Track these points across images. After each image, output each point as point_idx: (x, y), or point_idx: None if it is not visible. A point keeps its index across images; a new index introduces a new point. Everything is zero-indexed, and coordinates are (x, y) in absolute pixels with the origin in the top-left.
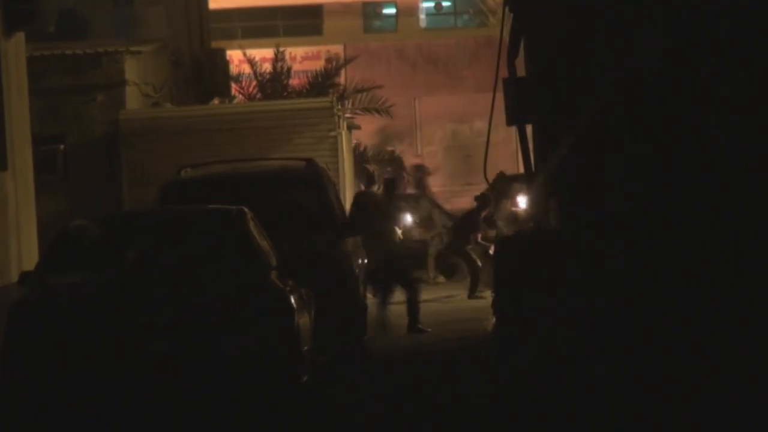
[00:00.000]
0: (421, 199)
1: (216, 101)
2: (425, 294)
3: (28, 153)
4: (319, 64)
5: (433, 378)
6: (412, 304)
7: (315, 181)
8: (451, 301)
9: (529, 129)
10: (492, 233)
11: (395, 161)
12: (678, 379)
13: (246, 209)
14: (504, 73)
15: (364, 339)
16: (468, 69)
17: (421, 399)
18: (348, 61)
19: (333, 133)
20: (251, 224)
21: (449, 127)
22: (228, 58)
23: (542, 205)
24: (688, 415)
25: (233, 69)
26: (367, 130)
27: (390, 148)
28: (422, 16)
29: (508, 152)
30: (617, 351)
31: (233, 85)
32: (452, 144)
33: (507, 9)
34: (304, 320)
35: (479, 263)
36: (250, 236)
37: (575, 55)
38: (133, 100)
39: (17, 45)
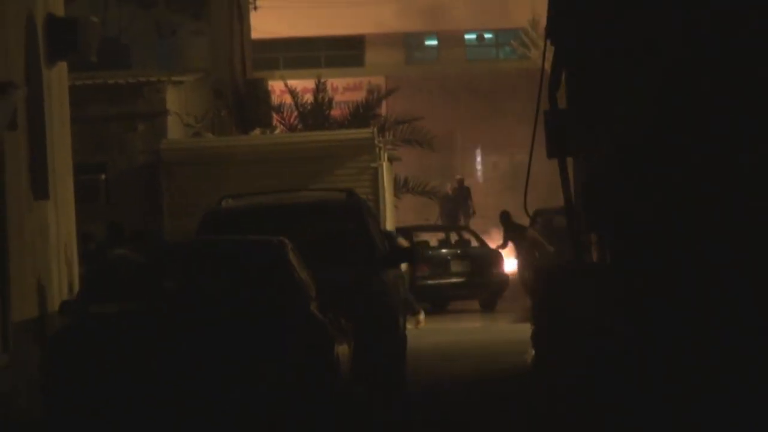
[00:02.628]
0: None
1: (257, 131)
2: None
3: (69, 181)
4: (360, 95)
5: (472, 411)
6: None
7: (356, 213)
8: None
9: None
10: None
11: (463, 190)
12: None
13: (286, 240)
14: (545, 105)
15: (403, 370)
16: (509, 101)
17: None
18: (389, 92)
19: (374, 165)
20: (291, 255)
21: (490, 159)
22: (269, 88)
23: (583, 238)
24: None
25: (275, 99)
26: (408, 162)
27: (458, 176)
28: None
29: (545, 184)
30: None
31: (275, 116)
32: (492, 175)
33: (549, 41)
34: (343, 351)
35: None
36: (290, 267)
37: (616, 87)
38: (174, 129)
39: (60, 74)
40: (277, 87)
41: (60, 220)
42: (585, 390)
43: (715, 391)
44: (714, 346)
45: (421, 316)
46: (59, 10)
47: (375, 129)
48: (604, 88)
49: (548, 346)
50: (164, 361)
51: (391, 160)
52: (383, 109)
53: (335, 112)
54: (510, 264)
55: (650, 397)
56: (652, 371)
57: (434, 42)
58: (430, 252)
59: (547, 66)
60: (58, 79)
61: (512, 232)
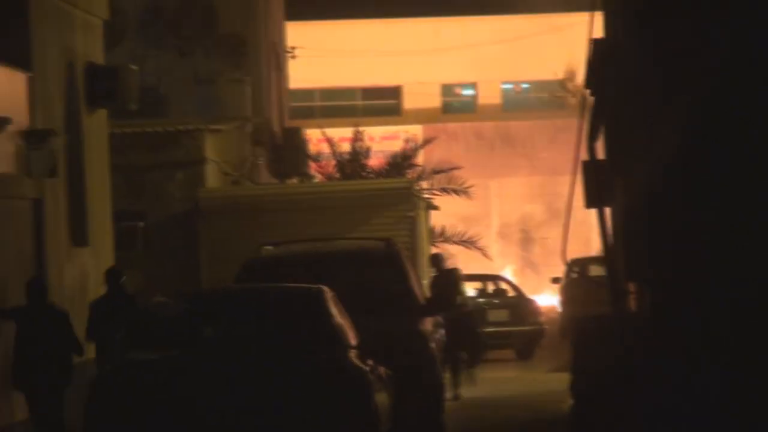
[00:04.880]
0: None
1: (295, 180)
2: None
3: (108, 229)
4: (397, 144)
5: None
6: None
7: (394, 261)
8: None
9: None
10: None
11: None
12: None
13: (325, 288)
14: (582, 155)
15: (442, 419)
16: (546, 150)
17: None
18: (426, 141)
19: (411, 214)
20: (330, 303)
21: (526, 208)
22: (307, 136)
23: (621, 288)
24: None
25: (312, 148)
26: (445, 210)
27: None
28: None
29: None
30: None
31: (312, 164)
32: (529, 225)
33: (587, 92)
34: (382, 399)
35: None
36: (329, 315)
37: (656, 138)
38: (212, 177)
39: (99, 122)
40: (314, 136)
41: (99, 267)
42: None
43: None
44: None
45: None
46: (99, 59)
47: (412, 178)
48: (641, 139)
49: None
50: (202, 410)
51: (428, 209)
52: (420, 158)
53: (372, 161)
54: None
55: None
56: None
57: (471, 92)
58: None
59: (585, 116)
60: (97, 126)
61: (440, 276)
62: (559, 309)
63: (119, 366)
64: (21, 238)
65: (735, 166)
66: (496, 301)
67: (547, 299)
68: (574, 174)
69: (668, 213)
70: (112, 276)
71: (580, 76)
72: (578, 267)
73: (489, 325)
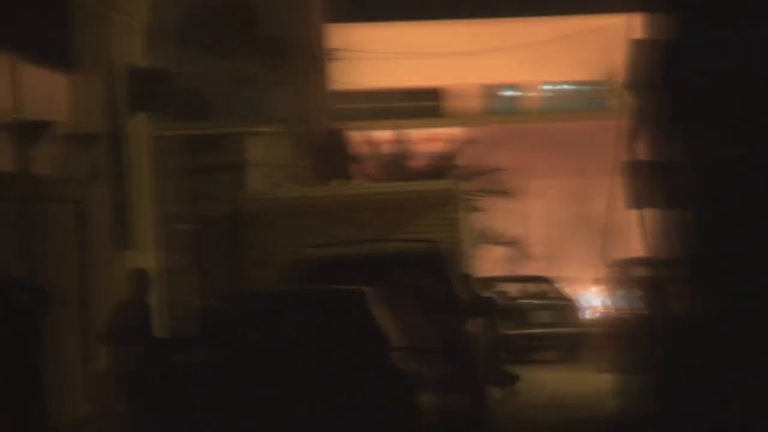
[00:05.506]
0: None
1: (337, 182)
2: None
3: (151, 232)
4: (439, 146)
5: None
6: None
7: (437, 263)
8: (572, 381)
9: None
10: None
11: None
12: None
13: (369, 290)
14: (624, 156)
15: (487, 420)
16: (588, 151)
17: None
18: (468, 143)
19: (454, 215)
20: (374, 305)
21: (568, 209)
22: (349, 138)
23: (665, 287)
24: None
25: (354, 149)
26: (486, 212)
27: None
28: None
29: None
30: None
31: (354, 166)
32: (572, 225)
33: (628, 93)
34: (426, 400)
35: None
36: (372, 317)
37: (701, 139)
38: (254, 180)
39: (141, 125)
40: (356, 137)
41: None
42: None
43: None
44: None
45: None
46: (140, 62)
47: (455, 180)
48: (685, 139)
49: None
50: (246, 409)
51: (470, 210)
52: (462, 160)
53: (415, 163)
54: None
55: None
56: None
57: (513, 92)
58: (509, 302)
59: (627, 117)
60: (139, 129)
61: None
62: (604, 310)
63: (164, 370)
64: (64, 241)
65: None
66: (539, 302)
67: (592, 300)
68: (615, 175)
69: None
70: (137, 278)
71: (621, 77)
72: (622, 268)
73: (532, 326)
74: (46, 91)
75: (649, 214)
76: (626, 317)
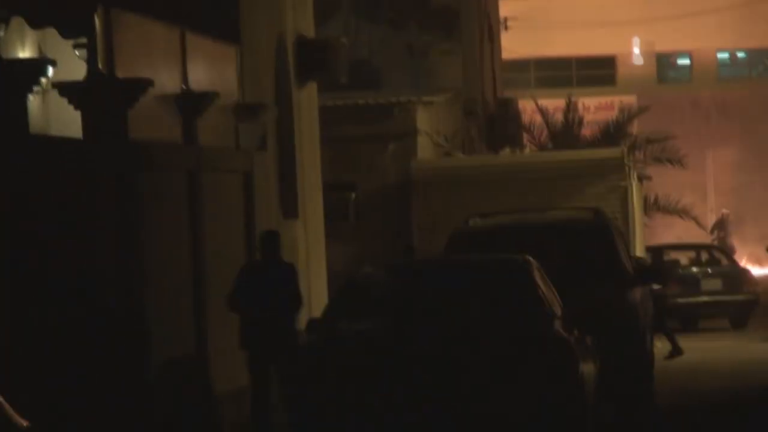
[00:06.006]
0: None
1: (507, 151)
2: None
3: (319, 201)
4: (611, 115)
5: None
6: None
7: (603, 231)
8: (742, 349)
9: None
10: None
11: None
12: None
13: (531, 259)
14: None
15: (651, 389)
16: (762, 120)
17: None
18: (640, 111)
19: (623, 183)
20: (537, 273)
21: (743, 178)
22: (520, 108)
23: None
24: None
25: (525, 119)
26: (658, 180)
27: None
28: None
29: None
30: None
31: (524, 135)
32: (746, 195)
33: None
34: (588, 369)
35: None
36: (534, 285)
37: None
38: (424, 149)
39: (310, 95)
40: (527, 107)
41: (309, 238)
42: None
43: None
44: None
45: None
46: (310, 32)
47: (625, 148)
48: None
49: None
50: (410, 381)
51: (641, 179)
52: (634, 128)
53: (585, 132)
54: None
55: None
56: None
57: (686, 61)
58: (680, 271)
59: None
60: (308, 99)
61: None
62: None
63: (326, 338)
64: (232, 211)
65: None
66: (710, 271)
67: (762, 269)
68: None
69: None
70: (268, 240)
71: None
72: None
73: (702, 294)
74: (214, 62)
75: None
76: None
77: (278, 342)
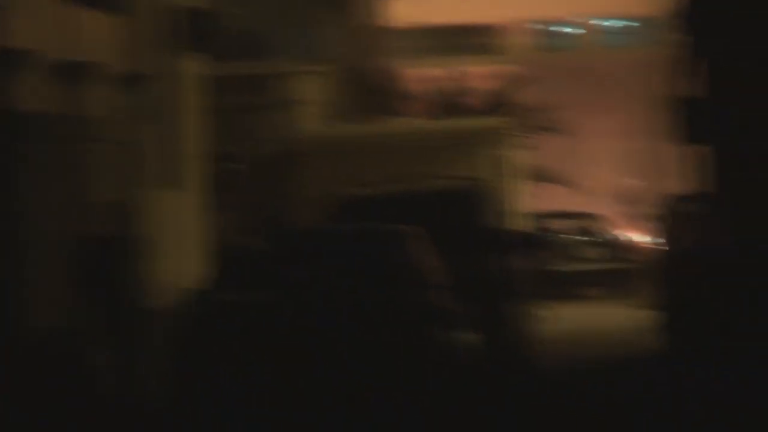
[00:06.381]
0: None
1: (391, 120)
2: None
3: (202, 171)
4: (495, 83)
5: (598, 395)
6: None
7: (482, 200)
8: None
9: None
10: None
11: None
12: None
13: (412, 227)
14: (679, 92)
15: (531, 355)
16: (643, 88)
17: (589, 413)
18: (525, 80)
19: (502, 152)
20: (415, 242)
21: (624, 146)
22: (402, 76)
23: (716, 223)
24: None
25: (409, 87)
26: (540, 149)
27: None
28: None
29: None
30: None
31: (407, 104)
32: (622, 162)
33: (683, 30)
34: (467, 336)
35: None
36: (411, 255)
37: (753, 74)
38: (308, 118)
39: (192, 64)
40: (411, 75)
41: (192, 209)
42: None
43: None
44: None
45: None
46: (194, 1)
47: (508, 117)
48: (741, 74)
49: (672, 329)
50: (293, 349)
51: (520, 147)
52: (518, 97)
53: (470, 101)
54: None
55: None
56: None
57: (568, 30)
58: (557, 239)
59: (680, 54)
60: (190, 69)
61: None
62: (653, 246)
63: (206, 309)
64: (110, 181)
65: None
66: (587, 238)
67: (641, 236)
68: (668, 112)
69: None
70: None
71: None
72: (672, 203)
73: (577, 262)
74: (97, 32)
75: (691, 149)
76: (662, 253)
77: None
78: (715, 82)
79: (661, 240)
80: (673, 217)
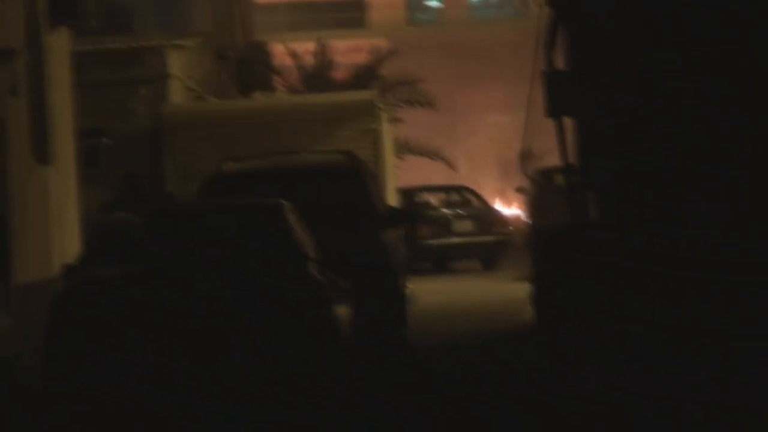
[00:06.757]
0: None
1: (258, 94)
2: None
3: (70, 147)
4: (362, 57)
5: (472, 369)
6: None
7: (356, 174)
8: (491, 289)
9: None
10: None
11: None
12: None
13: (285, 202)
14: (546, 65)
15: (405, 329)
16: (511, 60)
17: (461, 388)
18: (391, 53)
19: (374, 126)
20: (290, 216)
21: (493, 119)
22: (271, 50)
23: (580, 196)
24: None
25: (276, 62)
26: (409, 123)
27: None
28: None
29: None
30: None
31: (276, 78)
32: (495, 135)
33: (545, 1)
34: (342, 311)
35: None
36: (288, 228)
37: (613, 48)
38: (176, 93)
39: (61, 40)
40: (278, 50)
41: (61, 185)
42: (584, 347)
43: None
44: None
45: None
46: None
47: (376, 90)
48: (600, 48)
49: (547, 304)
50: (164, 324)
51: (392, 121)
52: (385, 71)
53: (337, 74)
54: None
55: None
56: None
57: (436, 2)
58: (431, 212)
59: (545, 26)
60: (59, 44)
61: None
62: (524, 219)
63: (79, 284)
64: None
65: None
66: (461, 212)
67: (514, 209)
68: (535, 84)
69: (626, 124)
70: (129, 181)
71: None
72: (542, 177)
73: (453, 235)
74: None
75: (565, 122)
76: (544, 226)
77: None
78: (578, 55)
79: (530, 213)
80: (539, 190)
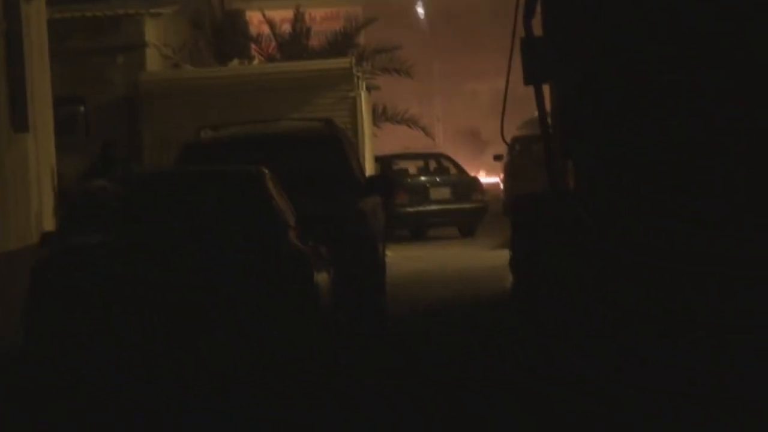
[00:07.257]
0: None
1: (235, 62)
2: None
3: (48, 114)
4: (338, 25)
5: (451, 337)
6: None
7: (334, 142)
8: (470, 256)
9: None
10: None
11: None
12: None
13: (264, 169)
14: (521, 32)
15: (383, 297)
16: (488, 28)
17: (438, 356)
18: (367, 21)
19: (352, 94)
20: (270, 184)
21: (470, 86)
22: (247, 18)
23: (558, 164)
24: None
25: (253, 30)
26: (386, 90)
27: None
28: None
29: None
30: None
31: (253, 46)
32: (472, 103)
33: None
34: (322, 278)
35: None
36: (268, 196)
37: (591, 15)
38: (153, 61)
39: (38, 7)
40: (255, 17)
41: (40, 153)
42: (562, 316)
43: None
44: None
45: None
46: None
47: (353, 58)
48: (577, 15)
49: (526, 272)
50: (144, 292)
51: (369, 89)
52: (361, 39)
53: (313, 42)
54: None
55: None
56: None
57: None
58: (409, 180)
59: None
60: (36, 12)
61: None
62: (502, 186)
63: (58, 253)
64: None
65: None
66: (439, 179)
67: (491, 176)
68: (512, 51)
69: (603, 92)
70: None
71: None
72: (520, 145)
73: (431, 203)
74: None
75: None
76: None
77: None
78: (555, 21)
79: (508, 181)
80: (517, 157)
